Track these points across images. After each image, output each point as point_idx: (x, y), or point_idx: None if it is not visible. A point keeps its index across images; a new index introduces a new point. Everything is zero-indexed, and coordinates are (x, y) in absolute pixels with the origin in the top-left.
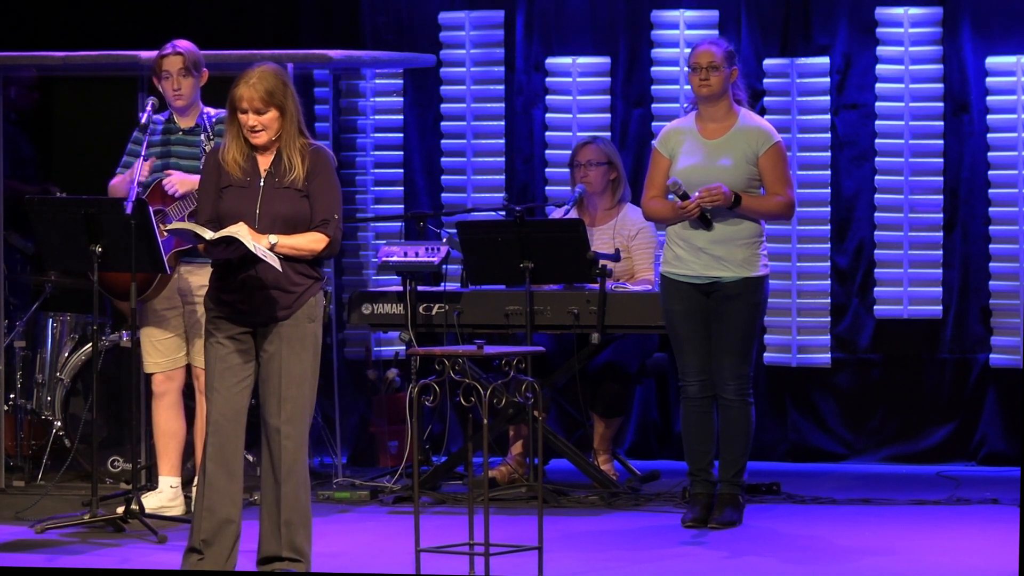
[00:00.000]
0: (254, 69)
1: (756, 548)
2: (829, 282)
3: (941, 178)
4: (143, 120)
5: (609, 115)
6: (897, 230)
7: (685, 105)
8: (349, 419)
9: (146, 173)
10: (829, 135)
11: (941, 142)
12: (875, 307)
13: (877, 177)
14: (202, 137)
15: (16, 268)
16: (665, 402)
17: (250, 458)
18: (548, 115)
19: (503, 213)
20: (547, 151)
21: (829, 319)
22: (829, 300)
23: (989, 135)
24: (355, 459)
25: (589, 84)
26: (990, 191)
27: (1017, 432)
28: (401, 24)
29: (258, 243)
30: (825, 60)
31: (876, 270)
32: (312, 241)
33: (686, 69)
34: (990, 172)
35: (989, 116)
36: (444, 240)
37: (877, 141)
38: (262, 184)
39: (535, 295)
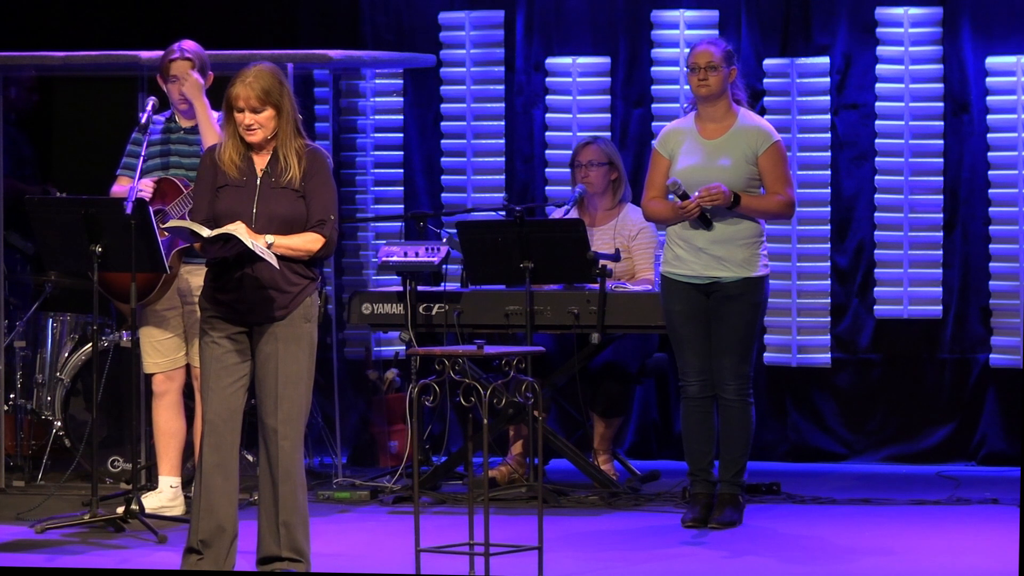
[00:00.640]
0: (250, 68)
1: (756, 548)
2: (829, 282)
3: (941, 178)
4: (143, 120)
5: (609, 115)
6: (897, 230)
7: (684, 105)
8: (349, 419)
9: (149, 194)
10: (829, 135)
11: (941, 142)
12: (875, 307)
13: (877, 177)
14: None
15: (16, 268)
16: (665, 402)
17: (250, 458)
18: (548, 115)
19: (503, 213)
20: (547, 151)
21: (829, 319)
22: (829, 300)
23: (989, 135)
24: (355, 459)
25: (589, 84)
26: (990, 191)
27: (1017, 432)
28: (401, 24)
29: (255, 241)
30: (825, 60)
31: (876, 270)
32: (308, 241)
33: (686, 69)
34: (990, 172)
35: (989, 116)
36: (444, 240)
37: (877, 141)
38: (258, 184)
39: (535, 295)
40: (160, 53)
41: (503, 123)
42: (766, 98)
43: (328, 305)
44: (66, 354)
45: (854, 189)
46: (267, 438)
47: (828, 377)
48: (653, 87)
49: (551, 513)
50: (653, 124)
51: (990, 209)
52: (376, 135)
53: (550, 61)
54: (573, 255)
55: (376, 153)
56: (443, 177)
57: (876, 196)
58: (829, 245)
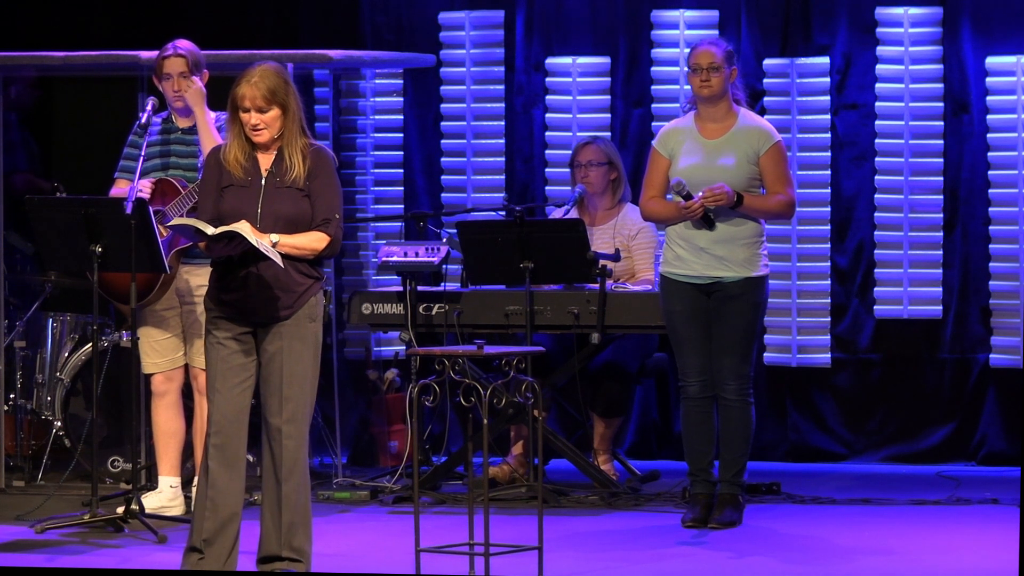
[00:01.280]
0: (255, 68)
1: (756, 548)
2: (829, 282)
3: (941, 178)
4: (143, 120)
5: (609, 115)
6: (897, 230)
7: (684, 105)
8: (349, 419)
9: (148, 194)
10: (829, 135)
11: (941, 142)
12: (875, 307)
13: (877, 177)
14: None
15: (16, 268)
16: (665, 402)
17: (250, 458)
18: (548, 115)
19: (503, 213)
20: (547, 151)
21: (829, 319)
22: (829, 300)
23: (989, 135)
24: (355, 459)
25: (589, 84)
26: (990, 191)
27: (1017, 432)
28: (401, 24)
29: (260, 240)
30: (825, 60)
31: (876, 270)
32: (313, 240)
33: (686, 69)
34: (990, 172)
35: (989, 116)
36: (444, 240)
37: (877, 141)
38: (263, 183)
39: (535, 295)
40: None
41: (503, 123)
42: (766, 98)
43: (328, 305)
44: (66, 354)
45: (854, 189)
46: (272, 437)
47: (828, 377)
48: (653, 87)
49: (551, 513)
50: (653, 124)
51: (990, 209)
52: (376, 135)
53: (550, 61)
54: (573, 255)
55: (376, 153)
56: (443, 177)
57: (876, 196)
58: (829, 245)
